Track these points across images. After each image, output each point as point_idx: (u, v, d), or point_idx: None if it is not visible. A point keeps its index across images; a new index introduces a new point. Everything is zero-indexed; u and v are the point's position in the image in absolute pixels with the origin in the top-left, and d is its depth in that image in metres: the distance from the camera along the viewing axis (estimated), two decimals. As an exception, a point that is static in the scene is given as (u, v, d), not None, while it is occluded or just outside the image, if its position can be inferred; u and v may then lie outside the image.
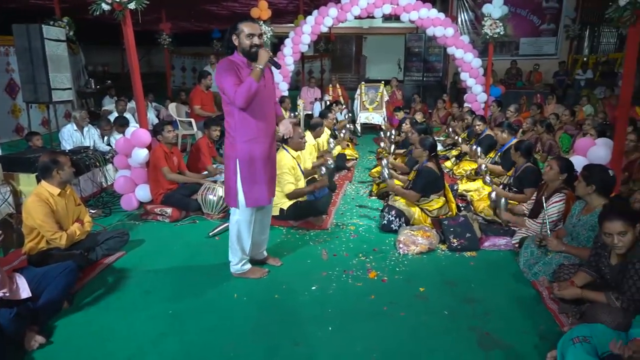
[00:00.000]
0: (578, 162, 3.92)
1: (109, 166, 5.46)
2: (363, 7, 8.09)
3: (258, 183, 3.03)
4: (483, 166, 4.83)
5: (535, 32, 12.68)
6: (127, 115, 7.23)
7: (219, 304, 2.98)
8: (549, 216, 3.47)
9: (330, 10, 8.21)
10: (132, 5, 4.12)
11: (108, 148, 5.97)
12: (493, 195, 4.10)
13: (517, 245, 3.71)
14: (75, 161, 4.82)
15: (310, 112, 10.11)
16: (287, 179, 4.21)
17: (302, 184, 4.46)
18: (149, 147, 4.64)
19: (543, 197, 3.55)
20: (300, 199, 4.35)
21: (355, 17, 8.48)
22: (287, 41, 8.60)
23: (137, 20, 4.36)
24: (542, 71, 12.14)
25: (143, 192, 4.66)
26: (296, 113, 9.38)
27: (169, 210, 4.46)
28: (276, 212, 4.15)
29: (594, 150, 4.12)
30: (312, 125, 5.72)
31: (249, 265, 3.33)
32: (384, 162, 4.64)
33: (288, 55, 8.58)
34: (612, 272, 2.53)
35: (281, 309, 2.93)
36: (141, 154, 4.56)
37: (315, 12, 8.42)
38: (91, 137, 5.98)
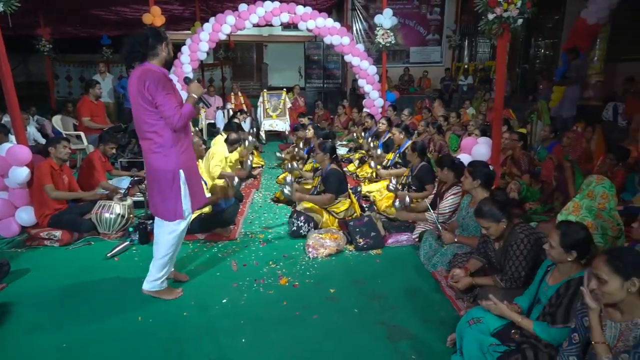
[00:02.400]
0: (464, 159, 4.31)
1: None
2: (261, 15, 8.13)
3: (197, 188, 3.10)
4: (391, 186, 4.71)
5: (423, 41, 13.74)
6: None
7: (122, 330, 2.77)
8: (444, 207, 3.82)
9: (228, 18, 8.11)
10: (-1, 8, 3.67)
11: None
12: (397, 203, 4.26)
13: (417, 240, 3.98)
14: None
15: (212, 121, 9.87)
16: None
17: (205, 192, 4.33)
18: (30, 165, 4.18)
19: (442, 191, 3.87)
20: (205, 211, 4.22)
21: (254, 25, 8.49)
22: (184, 48, 8.32)
23: (8, 24, 3.89)
24: (431, 77, 13.19)
25: (26, 215, 4.17)
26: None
27: (57, 233, 4.05)
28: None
29: (477, 149, 4.57)
30: (230, 141, 5.64)
31: (166, 284, 3.16)
32: (288, 179, 4.66)
33: (186, 63, 8.30)
34: (496, 256, 2.83)
35: (192, 326, 2.81)
36: (21, 174, 4.08)
37: (212, 19, 8.26)
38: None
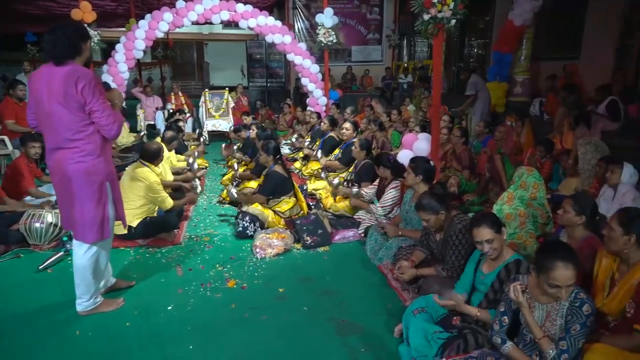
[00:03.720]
0: (406, 155, 4.45)
1: None
2: (200, 12, 7.92)
3: (120, 202, 2.90)
4: (323, 174, 5.12)
5: (363, 40, 14.00)
6: None
7: (59, 347, 2.60)
8: (385, 200, 3.96)
9: (165, 15, 7.83)
10: None
11: None
12: (335, 181, 4.46)
13: (363, 235, 4.06)
14: None
15: (152, 122, 9.50)
16: (164, 194, 4.05)
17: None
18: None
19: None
20: (150, 215, 4.07)
21: (193, 23, 8.26)
22: (119, 46, 7.94)
23: None
24: (372, 76, 13.48)
25: (-58, 229, 3.81)
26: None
27: (-19, 246, 3.73)
28: (122, 231, 3.82)
29: (417, 144, 4.72)
30: (167, 139, 5.45)
31: (100, 298, 2.97)
32: (232, 189, 4.60)
33: (121, 62, 7.92)
34: (437, 247, 2.95)
35: (135, 337, 2.69)
36: None
37: (148, 16, 7.94)
38: None
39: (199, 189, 4.51)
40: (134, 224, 3.93)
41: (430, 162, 3.66)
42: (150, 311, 2.95)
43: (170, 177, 5.14)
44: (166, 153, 5.33)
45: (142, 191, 3.93)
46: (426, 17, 3.86)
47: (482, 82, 7.84)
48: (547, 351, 1.84)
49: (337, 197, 4.74)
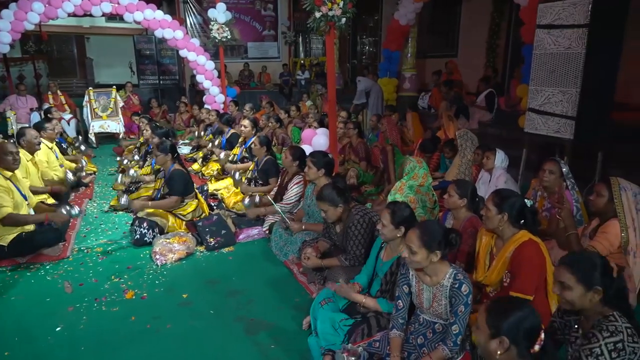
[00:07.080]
0: (306, 150, 4.53)
1: None
2: (77, 3, 7.26)
3: None
4: (237, 175, 4.89)
5: (260, 37, 13.91)
6: None
7: None
8: (290, 197, 3.98)
9: (35, 5, 7.03)
10: None
11: None
12: (246, 201, 4.27)
13: (268, 232, 4.05)
14: None
15: (27, 125, 8.47)
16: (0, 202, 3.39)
17: (25, 210, 3.72)
18: None
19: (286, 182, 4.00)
20: (27, 229, 3.62)
21: (70, 15, 7.52)
22: (-22, 40, 6.96)
23: None
24: (270, 72, 13.47)
25: None
26: None
27: None
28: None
29: (316, 139, 4.84)
30: (17, 134, 4.75)
31: None
32: (123, 198, 4.14)
33: (-17, 57, 6.96)
34: (339, 238, 3.05)
35: (16, 367, 2.40)
36: None
37: (13, 5, 7.06)
38: None
39: (72, 209, 3.72)
40: (6, 241, 3.49)
41: (329, 155, 3.76)
42: (35, 335, 2.65)
43: (37, 183, 4.53)
44: (25, 155, 4.47)
45: None
46: (318, 14, 3.95)
47: (371, 81, 8.26)
48: (444, 353, 1.98)
49: (240, 195, 4.69)
